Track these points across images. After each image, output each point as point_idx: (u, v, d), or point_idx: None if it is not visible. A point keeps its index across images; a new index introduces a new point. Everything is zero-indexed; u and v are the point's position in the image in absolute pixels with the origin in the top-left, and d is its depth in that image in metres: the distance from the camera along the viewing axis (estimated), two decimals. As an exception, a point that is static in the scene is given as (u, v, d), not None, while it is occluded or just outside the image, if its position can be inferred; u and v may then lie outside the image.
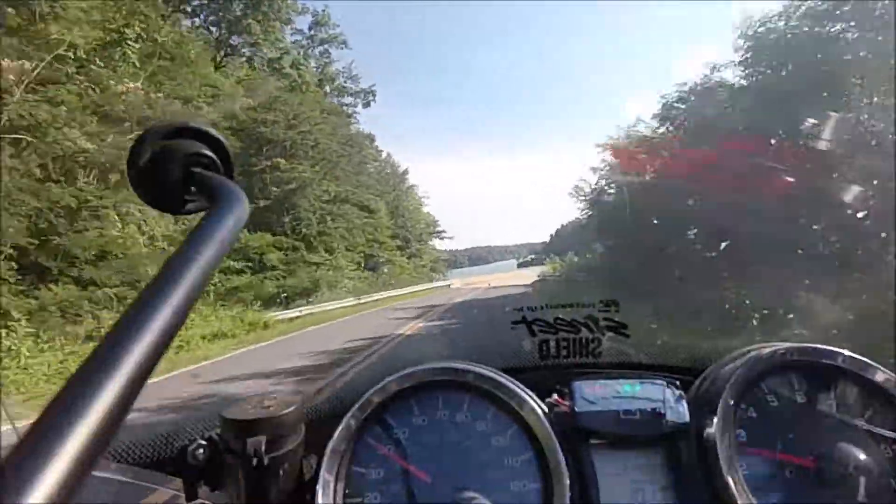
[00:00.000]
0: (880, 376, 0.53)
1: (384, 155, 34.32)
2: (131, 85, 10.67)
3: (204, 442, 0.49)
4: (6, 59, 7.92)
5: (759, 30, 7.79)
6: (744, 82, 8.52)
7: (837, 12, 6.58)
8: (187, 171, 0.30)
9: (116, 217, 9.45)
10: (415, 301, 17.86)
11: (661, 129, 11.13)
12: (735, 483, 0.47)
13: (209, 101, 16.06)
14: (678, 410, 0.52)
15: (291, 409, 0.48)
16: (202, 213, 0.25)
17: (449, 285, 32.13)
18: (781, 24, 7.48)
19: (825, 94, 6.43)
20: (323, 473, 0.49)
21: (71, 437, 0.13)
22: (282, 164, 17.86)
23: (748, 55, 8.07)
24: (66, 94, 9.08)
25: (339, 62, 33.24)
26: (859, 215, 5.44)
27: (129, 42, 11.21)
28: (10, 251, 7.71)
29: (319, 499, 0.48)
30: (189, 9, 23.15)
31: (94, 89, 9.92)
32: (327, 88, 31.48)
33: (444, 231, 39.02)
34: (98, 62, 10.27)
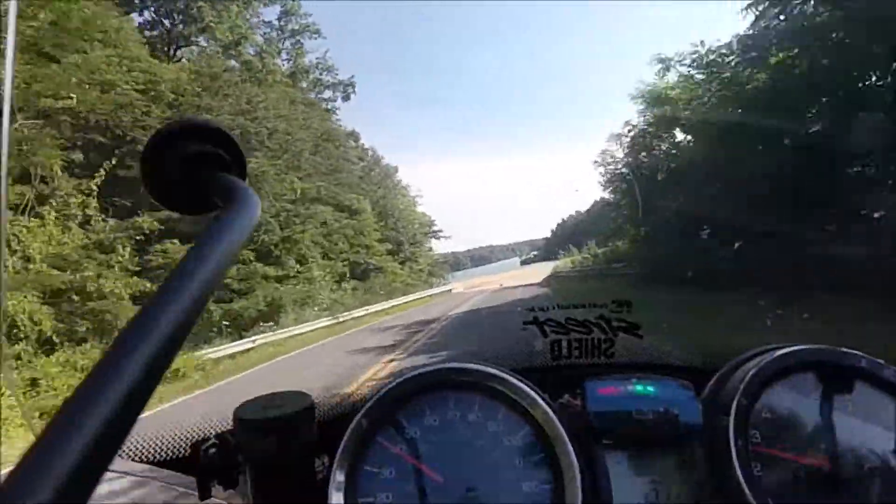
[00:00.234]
0: None
1: (370, 153, 31.08)
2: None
3: (217, 441, 0.49)
4: None
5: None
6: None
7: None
8: (199, 171, 0.30)
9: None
10: (406, 315, 14.92)
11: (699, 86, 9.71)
12: (749, 484, 0.46)
13: (142, 87, 13.12)
14: (691, 411, 0.52)
15: (303, 408, 0.48)
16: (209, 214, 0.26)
17: (450, 290, 28.68)
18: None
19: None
20: (335, 473, 0.49)
21: (86, 436, 0.13)
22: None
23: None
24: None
25: (313, 53, 30.05)
26: (875, 215, 5.39)
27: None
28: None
29: (331, 498, 0.48)
30: (137, 0, 20.28)
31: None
32: (304, 84, 29.03)
33: (440, 231, 35.55)
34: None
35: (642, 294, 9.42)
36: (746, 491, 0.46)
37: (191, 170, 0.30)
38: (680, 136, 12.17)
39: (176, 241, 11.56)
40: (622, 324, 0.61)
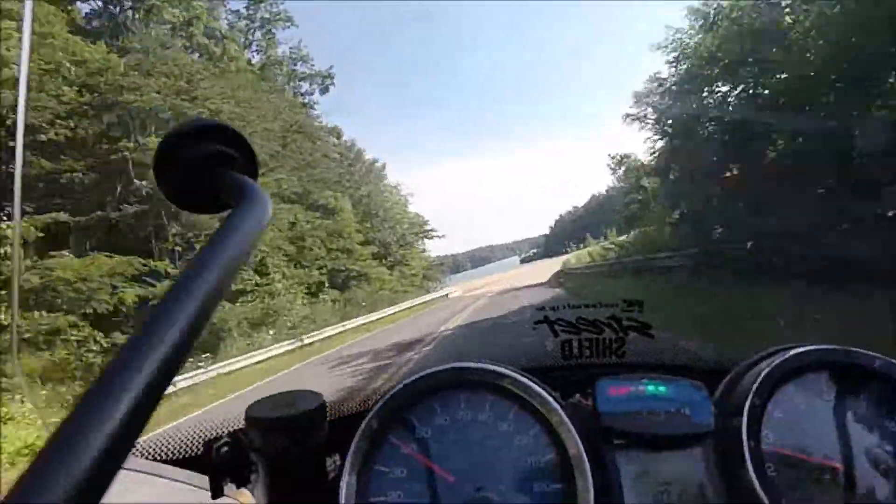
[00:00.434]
0: None
1: (353, 148, 28.24)
2: None
3: (229, 440, 0.50)
4: None
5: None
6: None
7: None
8: (211, 171, 0.30)
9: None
10: (385, 333, 12.14)
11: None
12: (762, 484, 0.46)
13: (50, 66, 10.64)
14: (703, 411, 0.51)
15: (315, 407, 0.49)
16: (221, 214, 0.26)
17: (446, 295, 25.72)
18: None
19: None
20: (346, 472, 0.49)
21: (100, 434, 0.13)
22: (152, 144, 11.87)
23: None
24: None
25: (287, 44, 27.53)
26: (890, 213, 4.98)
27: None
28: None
29: (342, 497, 0.48)
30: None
31: None
32: (279, 76, 26.45)
33: (433, 230, 32.74)
34: None
35: (728, 295, 6.69)
36: (759, 491, 0.45)
37: (203, 170, 0.30)
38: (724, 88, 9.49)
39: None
40: (633, 323, 0.61)
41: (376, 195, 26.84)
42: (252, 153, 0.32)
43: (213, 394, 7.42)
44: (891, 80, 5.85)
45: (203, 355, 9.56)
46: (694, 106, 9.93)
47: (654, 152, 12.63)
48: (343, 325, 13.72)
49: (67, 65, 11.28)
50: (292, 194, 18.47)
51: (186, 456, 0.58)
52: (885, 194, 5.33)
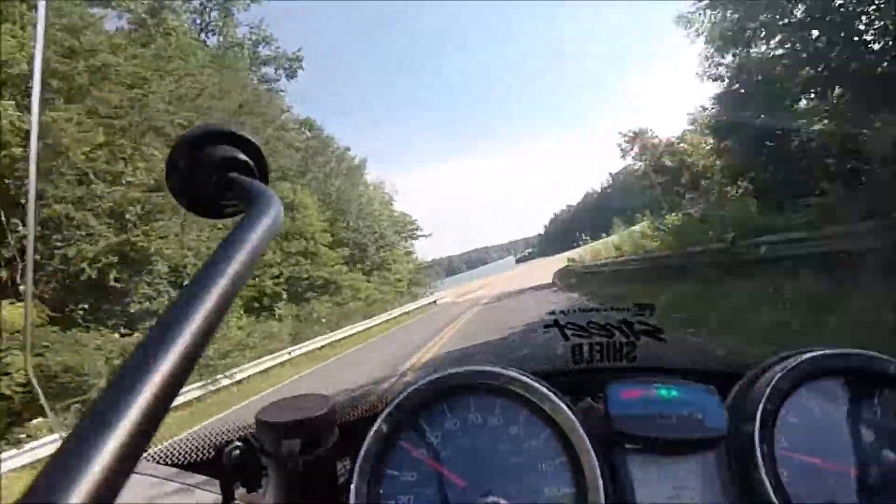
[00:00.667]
0: None
1: (320, 135, 24.76)
2: None
3: (240, 444, 0.50)
4: None
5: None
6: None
7: None
8: (223, 176, 0.30)
9: None
10: (337, 365, 9.25)
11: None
12: (775, 489, 0.45)
13: None
14: (716, 415, 0.51)
15: (325, 411, 0.49)
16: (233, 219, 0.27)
17: (434, 302, 22.37)
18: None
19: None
20: (356, 476, 0.49)
21: (112, 437, 0.13)
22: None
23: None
24: None
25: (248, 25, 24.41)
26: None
27: None
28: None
29: (353, 501, 0.48)
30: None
31: None
32: (241, 61, 23.16)
33: (417, 229, 29.42)
34: None
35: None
36: (772, 496, 0.45)
37: (215, 175, 0.30)
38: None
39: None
40: (645, 327, 0.60)
41: (350, 190, 23.45)
42: (262, 157, 0.32)
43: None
44: None
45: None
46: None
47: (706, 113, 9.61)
48: (288, 352, 10.41)
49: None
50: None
51: (198, 460, 0.59)
52: None
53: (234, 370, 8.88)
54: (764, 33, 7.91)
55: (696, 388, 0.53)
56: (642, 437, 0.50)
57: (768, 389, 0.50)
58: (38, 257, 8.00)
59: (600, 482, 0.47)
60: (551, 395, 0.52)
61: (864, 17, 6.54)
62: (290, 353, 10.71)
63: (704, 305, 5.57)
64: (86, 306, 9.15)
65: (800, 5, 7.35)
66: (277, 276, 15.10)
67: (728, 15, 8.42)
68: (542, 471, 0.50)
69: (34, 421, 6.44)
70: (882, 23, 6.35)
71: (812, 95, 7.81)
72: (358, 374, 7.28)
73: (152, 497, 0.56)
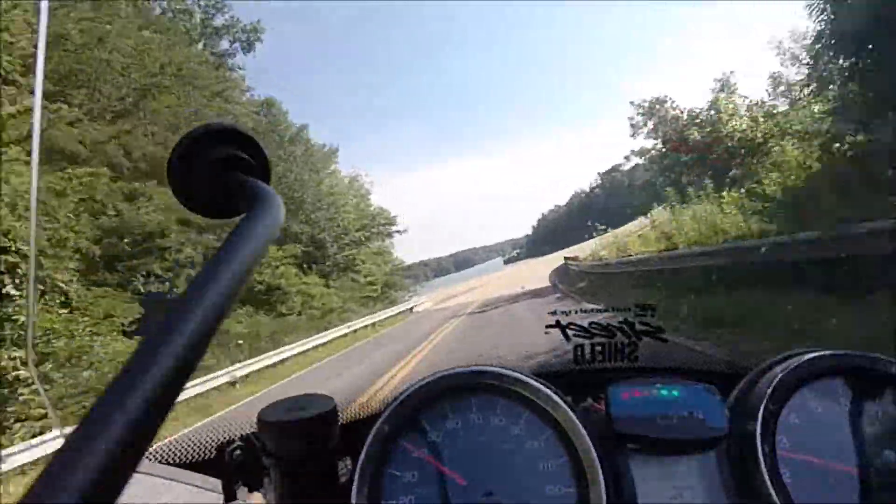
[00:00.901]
0: None
1: (270, 111, 21.06)
2: None
3: (242, 443, 0.50)
4: None
5: None
6: None
7: None
8: (224, 175, 0.30)
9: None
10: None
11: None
12: (776, 490, 0.45)
13: None
14: (718, 415, 0.51)
15: (327, 411, 0.48)
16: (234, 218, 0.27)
17: (411, 310, 18.97)
18: None
19: None
20: (358, 476, 0.49)
21: (114, 437, 0.13)
22: None
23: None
24: None
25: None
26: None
27: None
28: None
29: (354, 501, 0.48)
30: None
31: None
32: (192, 33, 20.40)
33: (393, 225, 25.96)
34: None
35: None
36: (774, 497, 0.45)
37: (216, 174, 0.30)
38: None
39: None
40: (646, 328, 0.60)
41: (305, 175, 19.81)
42: (264, 156, 0.32)
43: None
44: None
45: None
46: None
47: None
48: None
49: None
50: (143, 163, 11.39)
51: (200, 460, 0.59)
52: None
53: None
54: None
55: (698, 388, 0.53)
56: (644, 437, 0.50)
57: (770, 390, 0.50)
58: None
59: (602, 482, 0.47)
60: (553, 395, 0.52)
61: None
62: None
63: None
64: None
65: None
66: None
67: None
68: (543, 471, 0.50)
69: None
70: None
71: None
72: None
73: (154, 496, 0.59)
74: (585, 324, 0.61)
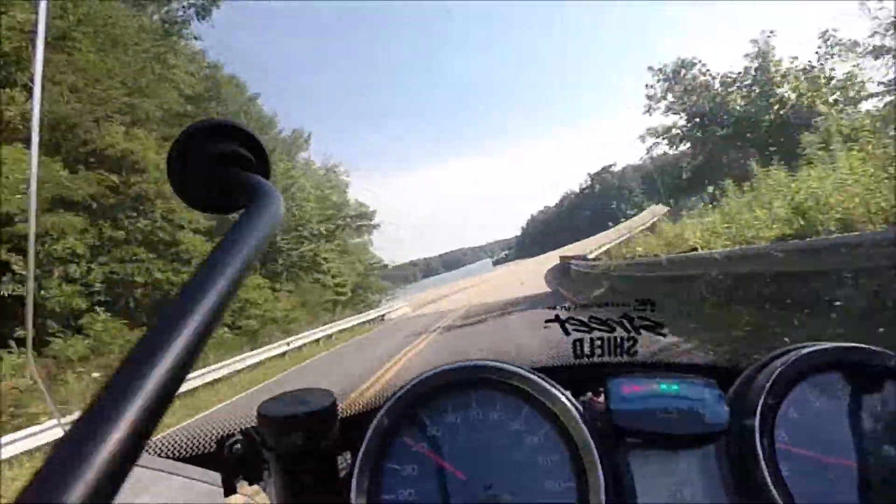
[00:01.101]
0: None
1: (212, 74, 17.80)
2: None
3: (241, 437, 0.50)
4: None
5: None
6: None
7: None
8: (223, 171, 0.30)
9: None
10: None
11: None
12: (776, 484, 0.45)
13: None
14: (717, 410, 0.50)
15: (326, 405, 0.48)
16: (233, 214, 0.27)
17: (382, 317, 16.12)
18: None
19: None
20: (357, 470, 0.49)
21: (113, 432, 0.13)
22: None
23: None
24: None
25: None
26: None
27: None
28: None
29: (354, 495, 0.48)
30: None
31: None
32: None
33: (365, 219, 23.00)
34: None
35: None
36: (773, 491, 0.45)
37: (216, 169, 0.30)
38: None
39: None
40: (646, 322, 0.60)
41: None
42: (263, 152, 0.32)
43: None
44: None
45: None
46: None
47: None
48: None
49: None
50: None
51: (199, 453, 0.59)
52: None
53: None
54: None
55: (697, 382, 0.53)
56: (643, 431, 0.50)
57: (769, 384, 0.50)
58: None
59: (601, 477, 0.47)
60: (552, 389, 0.52)
61: None
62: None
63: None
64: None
65: None
66: (82, 280, 8.46)
67: None
68: (542, 465, 0.50)
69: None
70: None
71: None
72: None
73: (153, 490, 0.57)
74: (585, 318, 0.61)
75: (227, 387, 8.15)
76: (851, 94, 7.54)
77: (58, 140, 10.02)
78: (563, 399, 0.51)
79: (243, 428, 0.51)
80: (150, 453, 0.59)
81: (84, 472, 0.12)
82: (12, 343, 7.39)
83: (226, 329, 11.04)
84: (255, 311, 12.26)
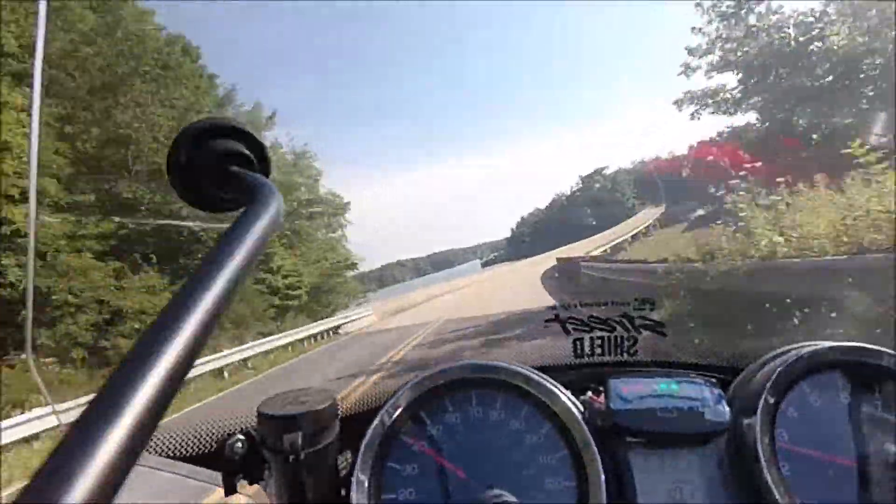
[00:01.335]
0: None
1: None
2: None
3: (242, 436, 0.49)
4: None
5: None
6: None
7: None
8: (223, 169, 0.30)
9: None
10: None
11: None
12: (776, 483, 0.45)
13: None
14: (717, 409, 0.50)
15: (327, 404, 0.48)
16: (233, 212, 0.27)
17: (337, 328, 12.91)
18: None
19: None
20: (358, 469, 0.49)
21: (114, 431, 0.13)
22: None
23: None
24: None
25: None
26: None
27: None
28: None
29: (354, 494, 0.48)
30: None
31: None
32: None
33: (344, 212, 19.98)
34: None
35: None
36: (774, 490, 0.45)
37: (216, 168, 0.30)
38: None
39: None
40: (646, 322, 0.59)
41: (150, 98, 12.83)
42: (264, 151, 0.32)
43: None
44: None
45: None
46: None
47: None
48: None
49: None
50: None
51: (200, 452, 0.59)
52: None
53: None
54: None
55: (697, 382, 0.53)
56: (643, 431, 0.50)
57: (769, 383, 0.50)
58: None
59: (602, 476, 0.47)
60: (553, 388, 0.52)
61: None
62: None
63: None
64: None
65: None
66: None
67: None
68: (543, 464, 0.49)
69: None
70: None
71: None
72: None
73: (154, 489, 0.56)
74: (585, 317, 0.60)
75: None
76: None
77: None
78: (564, 398, 0.51)
79: (244, 427, 0.51)
80: (150, 452, 0.59)
81: (84, 471, 0.12)
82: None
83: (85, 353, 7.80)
84: (128, 327, 8.88)
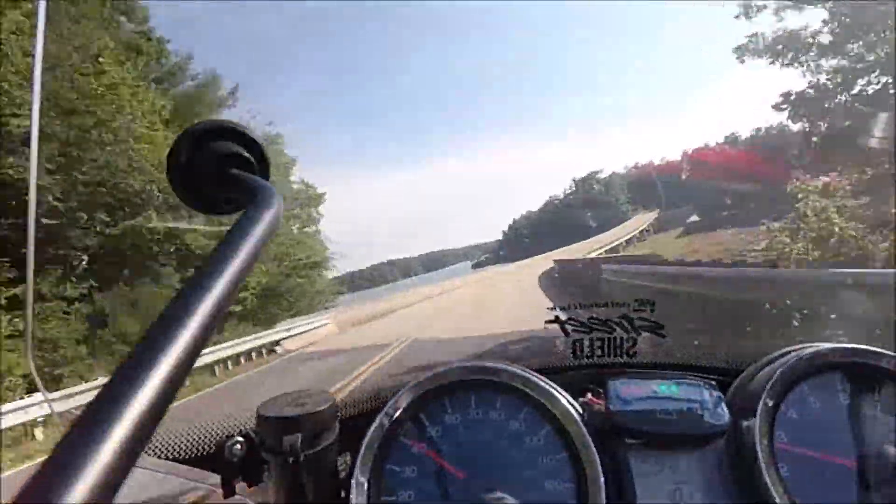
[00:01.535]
0: None
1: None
2: None
3: (241, 438, 0.49)
4: None
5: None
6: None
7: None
8: (223, 172, 0.31)
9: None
10: None
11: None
12: (775, 484, 0.46)
13: None
14: (716, 411, 0.50)
15: (326, 406, 0.48)
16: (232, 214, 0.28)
17: (277, 343, 9.50)
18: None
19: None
20: (358, 471, 0.49)
21: (112, 433, 0.13)
22: None
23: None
24: None
25: None
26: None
27: None
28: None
29: (354, 496, 0.48)
30: None
31: None
32: None
33: (308, 201, 17.29)
34: None
35: None
36: (773, 491, 0.45)
37: (216, 170, 0.30)
38: None
39: None
40: (645, 323, 0.59)
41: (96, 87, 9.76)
42: (263, 153, 0.32)
43: None
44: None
45: None
46: None
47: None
48: None
49: None
50: None
51: (199, 455, 0.58)
52: None
53: None
54: None
55: (697, 383, 0.53)
56: (643, 432, 0.50)
57: (768, 385, 0.50)
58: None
59: (601, 477, 0.47)
60: (552, 390, 0.52)
61: None
62: None
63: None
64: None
65: None
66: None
67: None
68: (542, 465, 0.50)
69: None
70: None
71: None
72: None
73: (153, 492, 0.56)
74: (584, 318, 0.60)
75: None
76: None
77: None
78: (563, 400, 0.51)
79: (243, 429, 0.50)
80: (149, 455, 0.59)
81: (84, 472, 0.12)
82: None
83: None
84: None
